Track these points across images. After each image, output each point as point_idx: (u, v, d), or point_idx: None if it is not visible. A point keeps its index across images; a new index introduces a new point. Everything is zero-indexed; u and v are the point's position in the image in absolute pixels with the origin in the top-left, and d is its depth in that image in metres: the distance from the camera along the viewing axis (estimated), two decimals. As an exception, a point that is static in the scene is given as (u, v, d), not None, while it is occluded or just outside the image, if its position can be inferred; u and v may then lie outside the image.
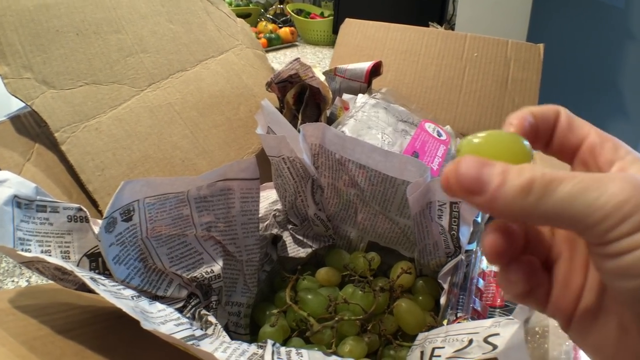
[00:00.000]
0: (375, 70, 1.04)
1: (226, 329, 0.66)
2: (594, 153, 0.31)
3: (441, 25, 2.01)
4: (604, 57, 2.23)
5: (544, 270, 0.34)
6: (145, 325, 0.40)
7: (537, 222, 0.29)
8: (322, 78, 0.89)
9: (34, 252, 0.50)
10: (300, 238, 0.76)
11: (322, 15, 2.51)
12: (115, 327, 0.51)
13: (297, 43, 2.46)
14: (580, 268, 0.32)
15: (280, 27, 2.46)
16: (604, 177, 0.26)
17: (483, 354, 0.47)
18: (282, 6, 2.73)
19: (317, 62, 2.16)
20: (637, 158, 0.30)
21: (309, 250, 0.76)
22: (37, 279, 0.83)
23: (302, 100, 0.96)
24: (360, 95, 0.98)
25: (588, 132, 0.32)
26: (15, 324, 0.45)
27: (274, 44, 2.33)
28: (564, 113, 0.33)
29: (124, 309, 0.41)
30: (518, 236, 0.32)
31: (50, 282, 0.53)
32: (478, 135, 0.30)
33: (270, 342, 0.49)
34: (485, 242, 0.31)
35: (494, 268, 0.71)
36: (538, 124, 0.33)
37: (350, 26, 1.25)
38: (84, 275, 0.45)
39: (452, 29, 2.14)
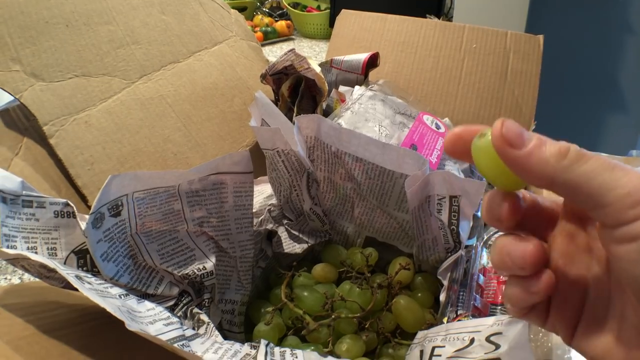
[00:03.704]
0: (372, 61, 1.02)
1: (220, 327, 0.65)
2: None
3: (439, 18, 2.00)
4: (602, 50, 2.22)
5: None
6: (131, 326, 0.38)
7: (559, 188, 0.28)
8: (318, 69, 0.88)
9: (20, 249, 0.49)
10: (296, 233, 0.75)
11: (318, 8, 2.48)
12: (103, 326, 0.50)
13: (293, 37, 2.44)
14: (579, 278, 0.33)
15: (277, 21, 2.44)
16: (627, 165, 0.27)
17: (485, 353, 0.46)
18: (278, -1, 2.71)
19: (313, 55, 2.14)
20: None
21: (305, 245, 0.74)
22: (30, 277, 0.82)
23: (298, 92, 0.94)
24: (357, 87, 0.96)
25: None
26: (1, 323, 0.44)
27: (270, 37, 2.31)
28: None
29: (109, 309, 0.39)
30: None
31: (38, 280, 0.51)
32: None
33: (263, 342, 0.47)
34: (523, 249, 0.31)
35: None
36: None
37: (347, 17, 1.24)
38: (69, 273, 0.43)
39: (450, 21, 2.12)
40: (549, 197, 0.36)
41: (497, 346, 0.46)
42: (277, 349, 0.47)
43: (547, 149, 0.28)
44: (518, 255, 0.31)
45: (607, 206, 0.26)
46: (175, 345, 0.40)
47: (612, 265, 0.30)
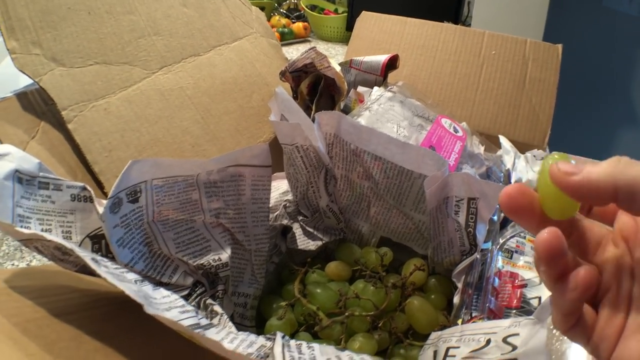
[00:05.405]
0: (392, 63, 1.02)
1: (231, 319, 0.64)
2: None
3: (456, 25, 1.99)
4: (616, 64, 2.21)
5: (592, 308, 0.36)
6: (149, 310, 0.38)
7: (621, 189, 0.30)
8: (338, 69, 0.87)
9: (34, 230, 0.48)
10: (311, 230, 0.74)
11: (336, 11, 2.48)
12: (116, 312, 0.49)
13: (309, 38, 2.44)
14: (624, 301, 0.34)
15: (294, 22, 2.44)
16: None
17: (502, 354, 0.45)
18: (296, 1, 2.71)
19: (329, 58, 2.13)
20: None
21: (319, 243, 0.73)
22: (38, 263, 0.81)
23: (316, 90, 0.93)
24: (375, 88, 0.96)
25: None
26: (9, 305, 0.43)
27: (287, 38, 2.30)
28: None
29: (127, 292, 0.38)
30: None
31: (50, 263, 0.50)
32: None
33: (279, 334, 0.47)
34: (541, 239, 0.33)
35: (510, 268, 0.69)
36: None
37: (367, 19, 1.23)
38: (85, 255, 0.42)
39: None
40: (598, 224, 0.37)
41: (514, 347, 0.45)
42: (292, 342, 0.46)
43: (601, 164, 0.31)
44: (535, 245, 0.32)
45: None
46: (194, 331, 0.40)
47: None
